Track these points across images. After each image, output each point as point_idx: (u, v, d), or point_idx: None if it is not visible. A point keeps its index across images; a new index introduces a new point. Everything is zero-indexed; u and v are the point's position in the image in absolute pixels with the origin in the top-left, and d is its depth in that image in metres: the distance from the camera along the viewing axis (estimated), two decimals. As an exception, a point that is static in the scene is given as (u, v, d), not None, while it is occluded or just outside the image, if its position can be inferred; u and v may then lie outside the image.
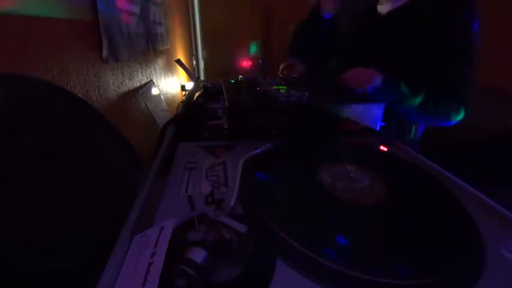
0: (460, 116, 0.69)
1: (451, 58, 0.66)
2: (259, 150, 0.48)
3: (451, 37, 0.65)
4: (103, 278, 0.26)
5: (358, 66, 0.68)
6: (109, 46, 0.86)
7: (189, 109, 0.86)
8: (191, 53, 2.95)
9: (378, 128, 0.61)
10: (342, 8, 1.35)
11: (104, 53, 0.84)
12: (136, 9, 1.18)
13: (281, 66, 1.13)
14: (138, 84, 1.21)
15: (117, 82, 0.97)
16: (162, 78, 1.69)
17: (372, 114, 0.59)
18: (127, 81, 1.07)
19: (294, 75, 1.03)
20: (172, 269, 0.24)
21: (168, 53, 1.86)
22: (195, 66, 3.04)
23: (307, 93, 0.62)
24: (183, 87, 2.27)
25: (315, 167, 0.43)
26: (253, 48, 3.07)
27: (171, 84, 1.96)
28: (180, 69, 2.10)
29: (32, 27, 0.55)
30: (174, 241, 0.28)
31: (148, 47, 1.36)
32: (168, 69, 1.87)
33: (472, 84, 0.68)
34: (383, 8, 0.76)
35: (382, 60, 0.66)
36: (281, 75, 1.10)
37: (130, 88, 1.11)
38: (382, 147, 0.55)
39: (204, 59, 3.13)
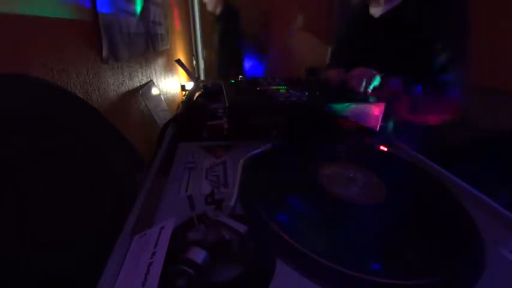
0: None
1: (443, 60, 0.66)
2: (259, 150, 0.48)
3: (442, 40, 0.66)
4: (103, 278, 0.26)
5: (354, 67, 0.68)
6: (109, 46, 0.86)
7: (189, 109, 0.86)
8: (191, 53, 2.95)
9: (377, 128, 0.61)
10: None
11: (104, 53, 0.84)
12: (136, 9, 1.18)
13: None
14: (138, 84, 1.21)
15: (117, 82, 0.97)
16: (162, 78, 1.69)
17: (372, 114, 0.59)
18: (127, 81, 1.07)
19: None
20: (172, 269, 0.24)
21: (168, 53, 1.86)
22: (195, 66, 3.04)
23: (307, 93, 0.63)
24: (183, 87, 2.27)
25: (315, 167, 0.43)
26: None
27: (171, 84, 1.96)
28: (180, 69, 2.10)
29: (32, 27, 0.55)
30: (174, 241, 0.28)
31: (149, 47, 1.36)
32: (168, 69, 1.87)
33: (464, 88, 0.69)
34: (375, 11, 0.75)
35: (378, 62, 0.67)
36: None
37: (131, 88, 1.11)
38: (382, 147, 0.55)
39: (204, 59, 3.12)
